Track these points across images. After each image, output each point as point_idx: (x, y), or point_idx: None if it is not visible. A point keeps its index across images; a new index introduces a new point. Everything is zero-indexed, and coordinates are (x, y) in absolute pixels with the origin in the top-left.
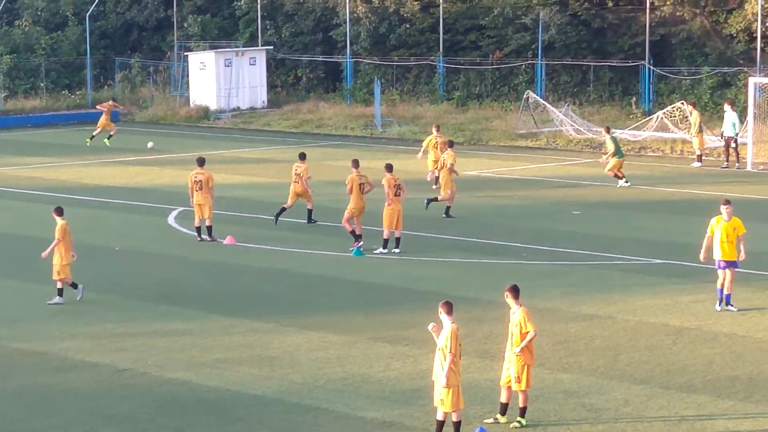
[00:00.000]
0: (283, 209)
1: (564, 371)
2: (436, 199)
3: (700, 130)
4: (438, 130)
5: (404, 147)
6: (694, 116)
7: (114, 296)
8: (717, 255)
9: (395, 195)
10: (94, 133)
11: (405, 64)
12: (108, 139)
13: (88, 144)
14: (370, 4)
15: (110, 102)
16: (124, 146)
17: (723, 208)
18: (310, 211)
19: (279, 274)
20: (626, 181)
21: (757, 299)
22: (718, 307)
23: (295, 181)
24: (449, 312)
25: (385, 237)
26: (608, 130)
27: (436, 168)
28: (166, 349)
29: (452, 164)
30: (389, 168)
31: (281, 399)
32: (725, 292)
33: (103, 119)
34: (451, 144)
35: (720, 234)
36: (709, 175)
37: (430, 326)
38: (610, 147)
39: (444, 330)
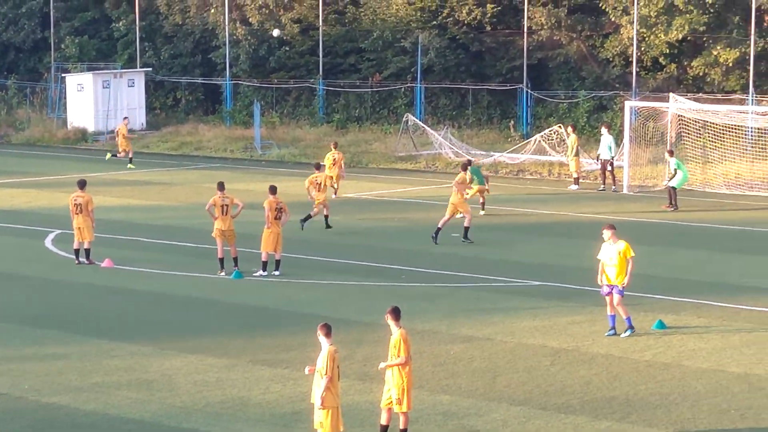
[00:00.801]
0: (309, 216)
1: (443, 393)
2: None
3: (577, 153)
4: (336, 147)
5: (284, 170)
6: (572, 139)
7: None
8: (602, 279)
9: (275, 218)
10: None
11: (285, 86)
12: None
13: None
14: (250, 27)
15: None
16: (0, 168)
17: (605, 233)
18: (326, 217)
19: (158, 297)
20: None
21: (633, 320)
22: (609, 333)
23: (318, 190)
24: (327, 334)
25: (263, 259)
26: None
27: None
28: (43, 373)
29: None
30: (272, 190)
31: (160, 422)
32: (623, 315)
33: None
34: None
35: (605, 258)
36: (586, 198)
37: (306, 370)
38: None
39: (322, 352)
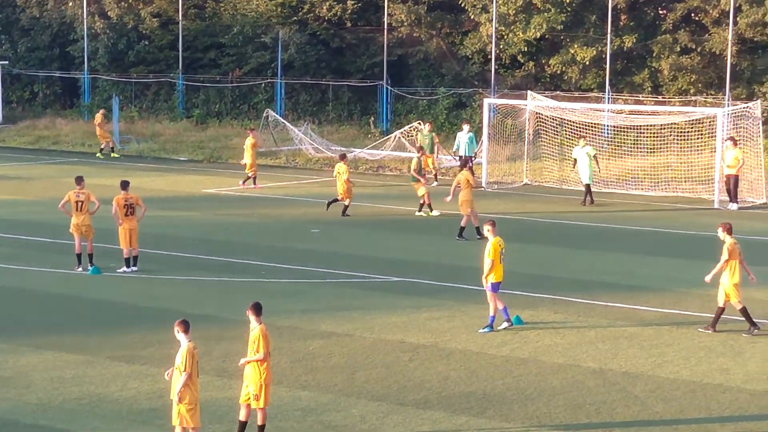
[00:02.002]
0: (336, 200)
1: (302, 389)
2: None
3: (433, 150)
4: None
5: (143, 165)
6: (431, 136)
7: None
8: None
9: (125, 215)
10: None
11: (144, 81)
12: None
13: None
14: (108, 20)
15: None
16: None
17: (484, 228)
18: (345, 207)
19: (14, 292)
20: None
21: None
22: (503, 326)
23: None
24: (186, 331)
25: (125, 256)
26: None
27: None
28: None
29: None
30: (123, 185)
31: (15, 420)
32: (490, 312)
33: None
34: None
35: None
36: (446, 194)
37: (167, 375)
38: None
39: (180, 349)
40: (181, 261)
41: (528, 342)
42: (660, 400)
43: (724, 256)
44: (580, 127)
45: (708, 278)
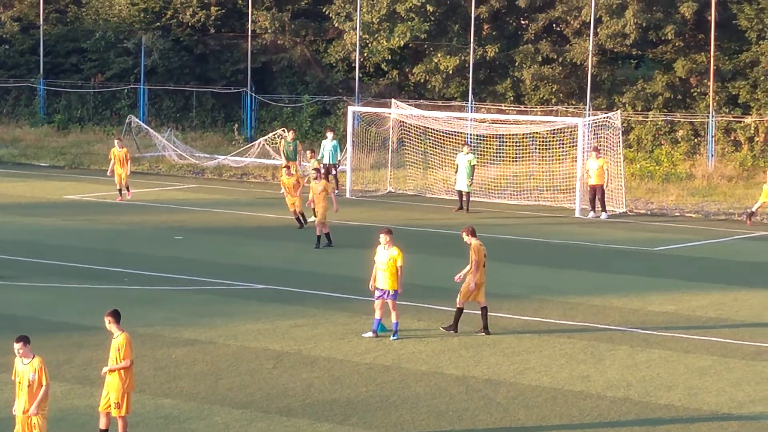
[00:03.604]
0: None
1: (165, 396)
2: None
3: (295, 158)
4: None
5: (3, 170)
6: (295, 143)
7: None
8: (378, 283)
9: None
10: None
11: (4, 85)
12: None
13: None
14: None
15: None
16: None
17: (381, 237)
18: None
19: None
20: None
21: (354, 323)
22: (368, 334)
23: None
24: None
25: None
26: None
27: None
28: None
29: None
30: None
31: None
32: (393, 320)
33: None
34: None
35: (378, 262)
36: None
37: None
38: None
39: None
40: (41, 267)
41: (391, 349)
42: (522, 407)
43: (473, 257)
44: (443, 136)
45: (458, 277)
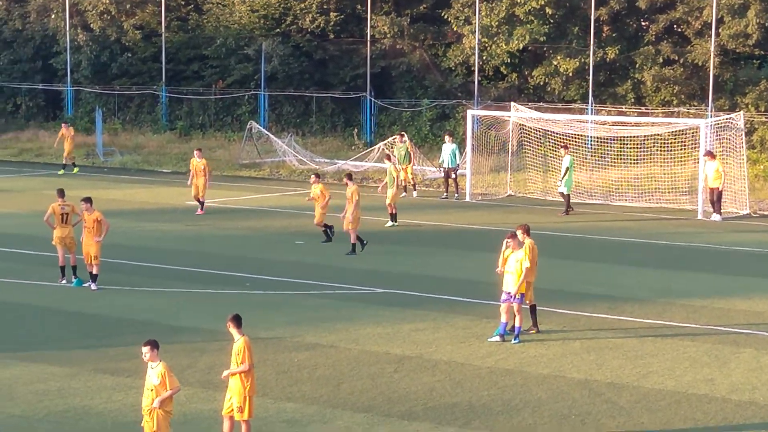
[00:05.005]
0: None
1: (287, 400)
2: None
3: (410, 161)
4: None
5: (127, 177)
6: (405, 146)
7: None
8: (504, 286)
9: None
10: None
11: (127, 93)
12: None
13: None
14: (91, 33)
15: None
16: None
17: (509, 240)
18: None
19: None
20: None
21: (476, 326)
22: (494, 339)
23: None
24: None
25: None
26: (389, 158)
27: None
28: None
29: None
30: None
31: None
32: (516, 324)
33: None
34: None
35: (505, 264)
36: (429, 206)
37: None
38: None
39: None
40: (164, 273)
41: (513, 353)
42: (645, 410)
43: (528, 256)
44: (563, 138)
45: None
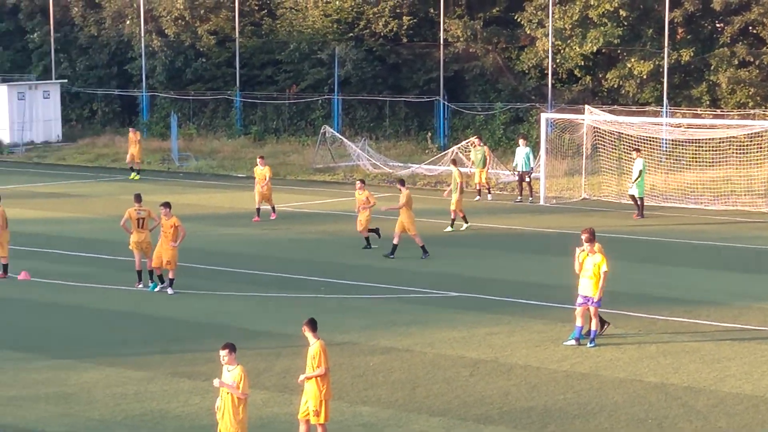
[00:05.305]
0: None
1: (363, 404)
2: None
3: (485, 164)
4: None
5: (202, 181)
6: (483, 150)
7: None
8: (581, 290)
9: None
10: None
11: (202, 98)
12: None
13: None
14: (166, 38)
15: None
16: None
17: (586, 244)
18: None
19: (75, 309)
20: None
21: (551, 330)
22: (569, 342)
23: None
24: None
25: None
26: (455, 163)
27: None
28: None
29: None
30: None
31: None
32: (592, 327)
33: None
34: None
35: (581, 268)
36: (503, 210)
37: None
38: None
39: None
40: (240, 277)
41: (588, 357)
42: (723, 414)
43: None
44: (638, 142)
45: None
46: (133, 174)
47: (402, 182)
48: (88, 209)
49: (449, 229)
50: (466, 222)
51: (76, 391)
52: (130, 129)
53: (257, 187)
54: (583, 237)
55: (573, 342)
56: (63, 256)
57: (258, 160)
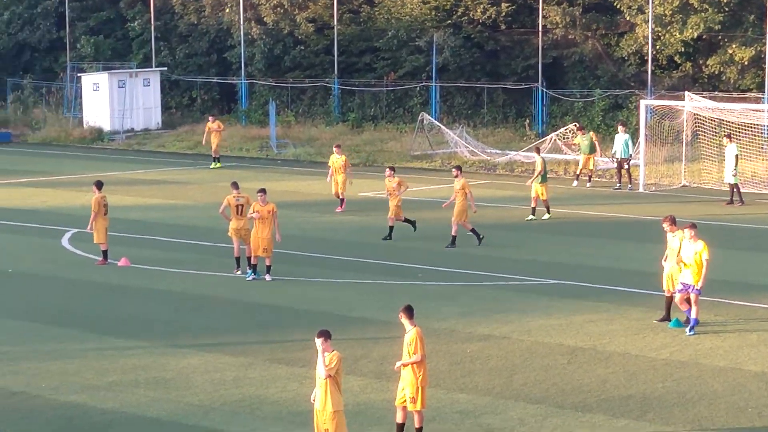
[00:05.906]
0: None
1: (460, 391)
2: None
3: (593, 151)
4: (339, 149)
5: (299, 168)
6: (589, 136)
7: (6, 319)
8: (682, 278)
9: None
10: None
11: (300, 85)
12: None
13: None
14: (265, 26)
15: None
16: (17, 167)
17: (686, 231)
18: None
19: (174, 295)
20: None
21: (650, 318)
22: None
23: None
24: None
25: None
26: (538, 151)
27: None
28: (59, 372)
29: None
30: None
31: (177, 421)
32: (692, 315)
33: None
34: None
35: (683, 256)
36: (601, 197)
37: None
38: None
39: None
40: (337, 264)
41: (688, 345)
42: None
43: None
44: (739, 129)
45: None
46: (213, 163)
47: (459, 168)
48: (187, 196)
49: (531, 217)
50: (548, 212)
51: (174, 376)
52: (210, 117)
53: (335, 176)
54: (665, 226)
55: (692, 333)
56: (162, 243)
57: (334, 148)
